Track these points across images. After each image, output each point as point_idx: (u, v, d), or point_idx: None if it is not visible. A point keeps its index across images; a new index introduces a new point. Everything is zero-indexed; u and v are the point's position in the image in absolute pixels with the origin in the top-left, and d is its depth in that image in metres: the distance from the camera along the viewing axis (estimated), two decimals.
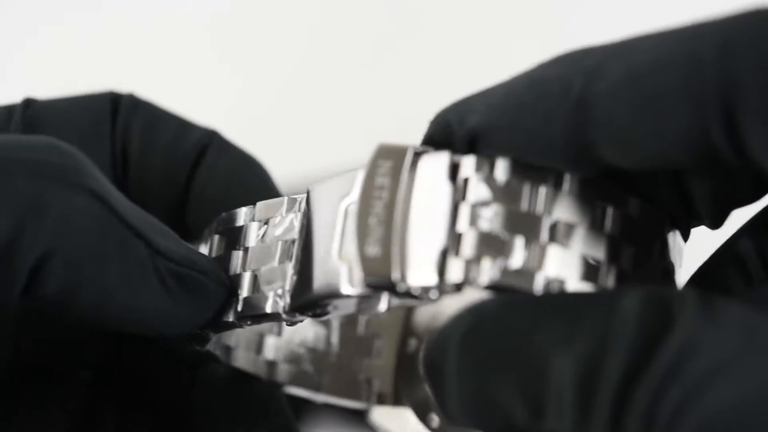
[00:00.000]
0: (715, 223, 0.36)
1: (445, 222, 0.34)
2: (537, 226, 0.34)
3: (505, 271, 0.33)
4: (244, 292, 0.38)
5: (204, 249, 0.41)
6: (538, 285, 0.33)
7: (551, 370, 0.32)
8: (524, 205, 0.34)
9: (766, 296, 0.33)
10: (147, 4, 0.79)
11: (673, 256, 0.36)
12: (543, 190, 0.34)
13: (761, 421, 0.30)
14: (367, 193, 0.35)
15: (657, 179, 0.35)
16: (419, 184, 0.35)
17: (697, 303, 0.31)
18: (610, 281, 0.34)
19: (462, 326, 0.33)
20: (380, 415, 0.46)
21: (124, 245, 0.36)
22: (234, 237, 0.40)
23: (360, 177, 0.36)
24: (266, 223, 0.38)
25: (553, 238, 0.34)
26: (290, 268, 0.37)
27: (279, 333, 0.44)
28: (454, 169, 0.35)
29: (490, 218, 0.34)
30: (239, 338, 0.43)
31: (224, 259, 0.39)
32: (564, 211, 0.34)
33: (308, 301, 0.36)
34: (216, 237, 0.40)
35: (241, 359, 0.43)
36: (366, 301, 0.35)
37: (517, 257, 0.33)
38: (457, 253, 0.34)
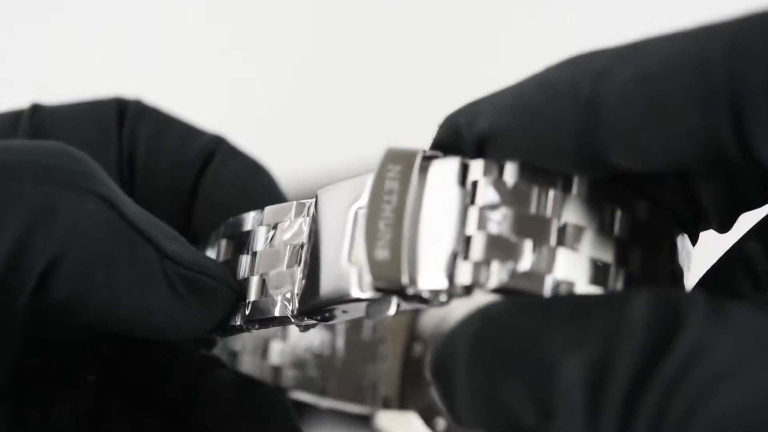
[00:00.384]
0: (724, 227, 0.36)
1: (453, 225, 0.34)
2: (546, 229, 0.34)
3: (514, 274, 0.33)
4: (252, 296, 0.38)
5: (211, 253, 0.41)
6: (547, 287, 0.33)
7: (560, 372, 0.32)
8: (533, 209, 0.34)
9: None
10: (149, 4, 0.79)
11: (682, 260, 0.36)
12: (552, 194, 0.34)
13: None
14: (377, 198, 0.35)
15: (665, 183, 0.35)
16: (428, 187, 0.35)
17: (707, 305, 0.31)
18: (618, 284, 0.34)
19: (470, 329, 0.33)
20: (385, 419, 0.46)
21: (134, 249, 0.36)
22: (242, 241, 0.40)
23: (369, 181, 0.35)
24: (274, 227, 0.38)
25: (561, 241, 0.34)
26: (299, 272, 0.37)
27: (284, 338, 0.44)
28: (463, 173, 0.35)
29: (499, 221, 0.34)
30: (245, 343, 0.43)
31: (232, 264, 0.39)
32: (573, 214, 0.34)
33: (317, 305, 0.36)
34: (223, 241, 0.40)
35: (247, 364, 0.43)
36: (375, 305, 0.35)
37: (526, 260, 0.33)
38: (466, 256, 0.34)
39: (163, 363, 0.43)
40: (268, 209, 0.39)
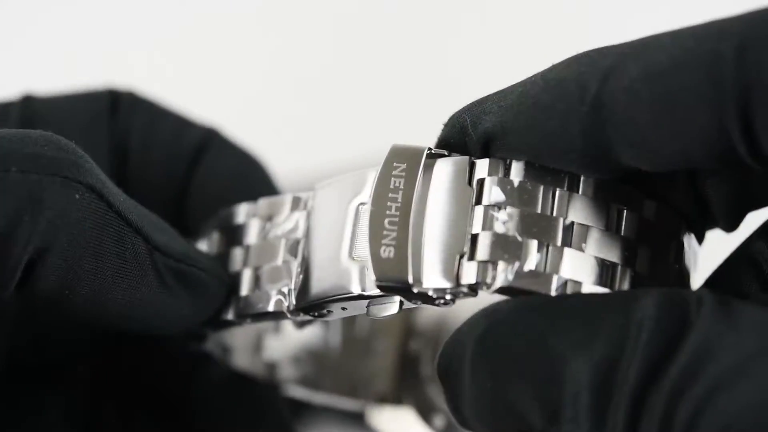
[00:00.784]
0: (730, 226, 0.35)
1: (459, 224, 0.34)
2: (552, 228, 0.33)
3: (520, 274, 0.33)
4: (245, 290, 0.38)
5: (203, 245, 0.40)
6: (554, 287, 0.33)
7: (567, 373, 0.31)
8: (539, 208, 0.33)
9: None
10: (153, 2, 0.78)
11: (689, 259, 0.35)
12: (558, 193, 0.34)
13: None
14: (381, 195, 0.34)
15: (673, 182, 0.35)
16: (434, 186, 0.34)
17: (714, 305, 0.31)
18: (625, 284, 0.34)
19: (477, 330, 0.33)
20: (380, 415, 0.46)
21: (122, 241, 0.36)
22: (234, 234, 0.39)
23: (371, 177, 0.35)
24: (269, 220, 0.38)
25: (568, 241, 0.33)
26: (296, 266, 0.36)
27: (278, 333, 0.44)
28: (468, 172, 0.34)
29: (505, 221, 0.33)
30: (238, 339, 0.43)
31: (224, 257, 0.39)
32: (579, 214, 0.34)
33: (315, 301, 0.36)
34: (216, 234, 0.40)
35: (240, 359, 0.43)
36: (377, 303, 0.35)
37: (532, 260, 0.33)
38: (471, 256, 0.33)
39: (156, 359, 0.42)
40: (262, 201, 0.39)
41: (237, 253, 0.39)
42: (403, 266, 0.34)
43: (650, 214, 0.34)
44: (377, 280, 0.34)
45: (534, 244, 0.33)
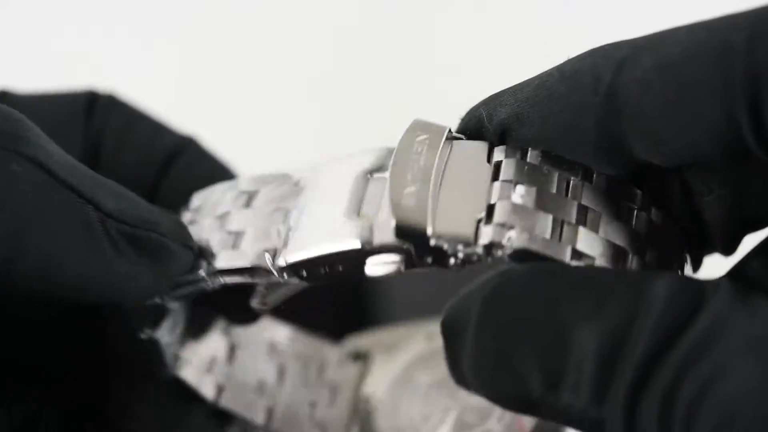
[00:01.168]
0: (728, 248, 0.35)
1: (478, 194, 0.33)
2: (567, 206, 0.33)
3: (536, 239, 0.32)
4: (219, 249, 0.37)
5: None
6: (568, 256, 0.33)
7: (574, 340, 0.30)
8: (554, 189, 0.34)
9: None
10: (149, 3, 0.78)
11: None
12: (572, 182, 0.34)
13: None
14: (405, 153, 0.34)
15: (672, 199, 0.35)
16: (453, 160, 0.34)
17: (731, 291, 0.30)
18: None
19: (488, 288, 0.32)
20: None
21: (70, 210, 0.34)
22: (210, 206, 0.38)
23: (379, 153, 0.35)
24: (253, 195, 0.38)
25: (582, 221, 0.33)
26: (284, 230, 0.36)
27: (231, 360, 0.42)
28: (488, 154, 0.34)
29: (522, 194, 0.33)
30: (193, 355, 0.41)
31: (196, 224, 0.38)
32: (592, 201, 0.34)
33: (308, 257, 0.35)
34: (188, 213, 0.39)
35: (189, 374, 0.41)
36: (377, 260, 0.33)
37: (548, 228, 0.33)
38: (489, 220, 0.33)
39: (107, 364, 0.41)
40: (243, 178, 0.38)
41: (208, 221, 0.38)
42: (424, 215, 0.33)
43: (658, 220, 0.35)
44: (397, 221, 0.33)
45: (549, 217, 0.33)
